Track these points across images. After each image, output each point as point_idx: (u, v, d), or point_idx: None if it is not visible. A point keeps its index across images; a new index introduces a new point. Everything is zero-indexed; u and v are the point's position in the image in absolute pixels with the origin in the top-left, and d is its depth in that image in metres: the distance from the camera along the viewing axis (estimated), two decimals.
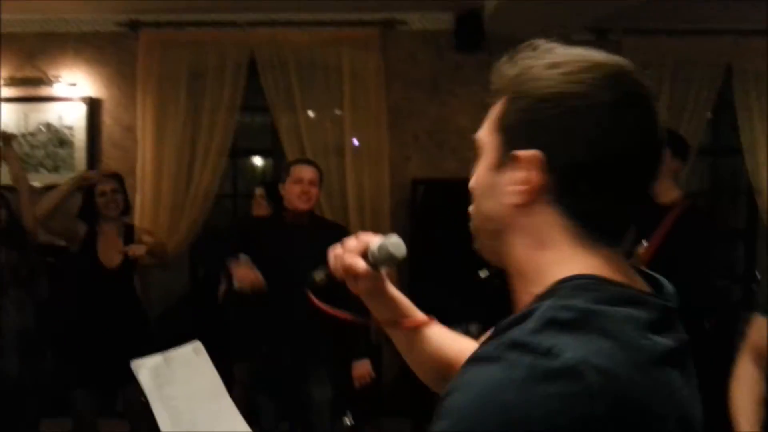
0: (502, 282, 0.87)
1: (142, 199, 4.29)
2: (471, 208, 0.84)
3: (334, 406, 2.97)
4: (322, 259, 1.13)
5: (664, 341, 0.67)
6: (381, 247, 1.07)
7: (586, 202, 0.72)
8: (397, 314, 1.13)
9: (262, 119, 4.88)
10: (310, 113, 4.54)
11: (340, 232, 3.10)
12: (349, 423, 2.00)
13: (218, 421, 2.04)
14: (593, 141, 0.71)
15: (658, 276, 0.78)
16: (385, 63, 4.45)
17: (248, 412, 3.14)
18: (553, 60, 0.75)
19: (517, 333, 0.63)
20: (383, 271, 1.11)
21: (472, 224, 0.85)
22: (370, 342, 3.39)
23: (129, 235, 3.25)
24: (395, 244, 1.07)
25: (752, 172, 4.12)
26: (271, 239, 2.95)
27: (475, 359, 0.65)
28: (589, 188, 0.72)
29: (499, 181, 0.77)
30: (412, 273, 3.94)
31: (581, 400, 0.58)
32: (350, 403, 3.01)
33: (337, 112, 4.53)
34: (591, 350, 0.60)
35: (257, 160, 5.47)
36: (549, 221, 0.74)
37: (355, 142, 4.52)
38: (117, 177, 3.32)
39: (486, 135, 0.81)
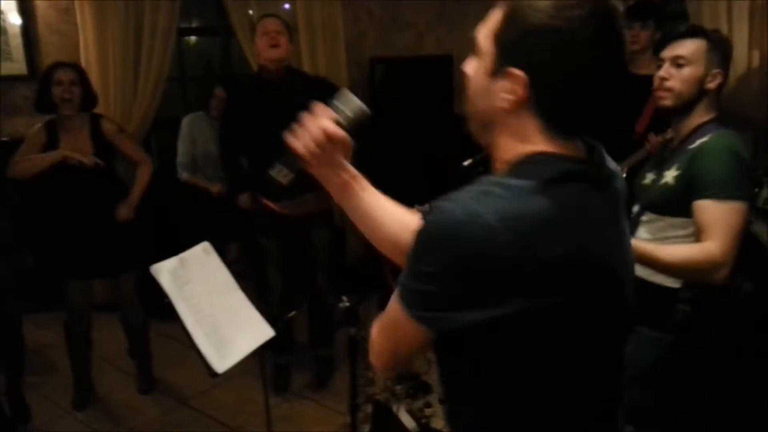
0: (484, 170, 1.04)
1: None
2: (467, 101, 1.02)
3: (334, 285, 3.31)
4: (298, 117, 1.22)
5: (579, 187, 0.91)
6: (348, 104, 1.23)
7: (558, 112, 0.93)
8: (349, 176, 1.27)
9: None
10: None
11: (325, 88, 2.90)
12: (346, 305, 2.15)
13: (235, 313, 2.16)
14: (570, 70, 0.89)
15: (596, 145, 1.02)
16: None
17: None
18: None
19: (455, 194, 0.88)
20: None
21: (468, 112, 1.03)
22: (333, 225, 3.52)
23: (97, 129, 3.11)
24: (352, 99, 1.24)
25: None
26: (253, 101, 3.09)
27: (430, 213, 0.89)
28: (563, 103, 0.92)
29: (492, 86, 0.95)
30: (372, 154, 3.98)
31: (488, 240, 0.83)
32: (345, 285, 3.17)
33: None
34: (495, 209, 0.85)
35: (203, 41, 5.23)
36: (528, 123, 0.95)
37: (286, 6, 4.40)
38: (76, 67, 3.11)
39: (484, 39, 0.97)
